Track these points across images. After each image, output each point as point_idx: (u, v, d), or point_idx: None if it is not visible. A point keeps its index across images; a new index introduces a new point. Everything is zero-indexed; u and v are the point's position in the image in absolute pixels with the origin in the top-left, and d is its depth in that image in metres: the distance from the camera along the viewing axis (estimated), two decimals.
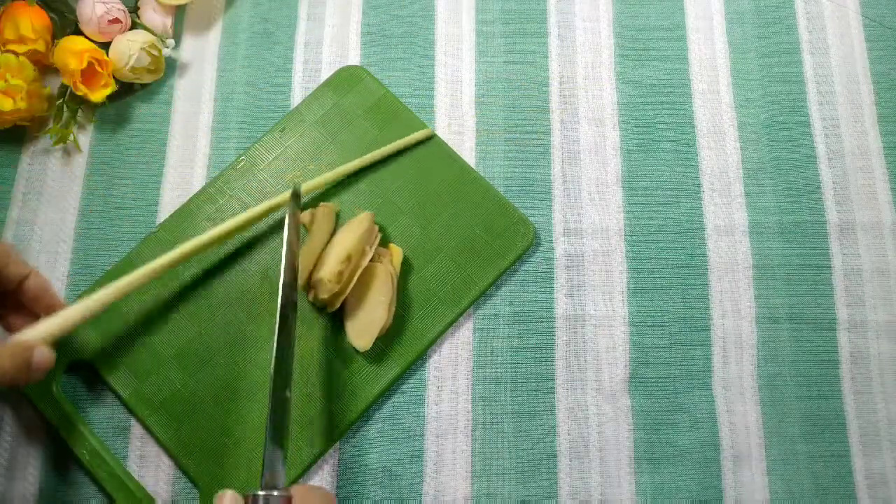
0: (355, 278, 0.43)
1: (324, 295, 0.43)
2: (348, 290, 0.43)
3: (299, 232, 0.43)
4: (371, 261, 0.44)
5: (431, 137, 0.49)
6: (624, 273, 0.48)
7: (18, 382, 0.35)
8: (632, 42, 0.54)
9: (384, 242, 0.46)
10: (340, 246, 0.43)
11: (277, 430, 0.36)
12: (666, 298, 0.48)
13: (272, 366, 0.37)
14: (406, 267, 0.46)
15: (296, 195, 0.43)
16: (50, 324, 0.37)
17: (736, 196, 0.50)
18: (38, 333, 0.36)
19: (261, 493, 0.34)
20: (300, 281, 0.43)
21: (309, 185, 0.46)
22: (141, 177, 0.49)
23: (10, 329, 0.40)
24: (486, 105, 0.52)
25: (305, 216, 0.45)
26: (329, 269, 0.42)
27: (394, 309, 0.44)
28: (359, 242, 0.43)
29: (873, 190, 0.50)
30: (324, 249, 0.44)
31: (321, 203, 0.46)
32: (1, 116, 0.47)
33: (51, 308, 0.39)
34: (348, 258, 0.42)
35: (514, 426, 0.45)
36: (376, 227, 0.46)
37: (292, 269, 0.40)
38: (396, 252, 0.45)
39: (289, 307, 0.39)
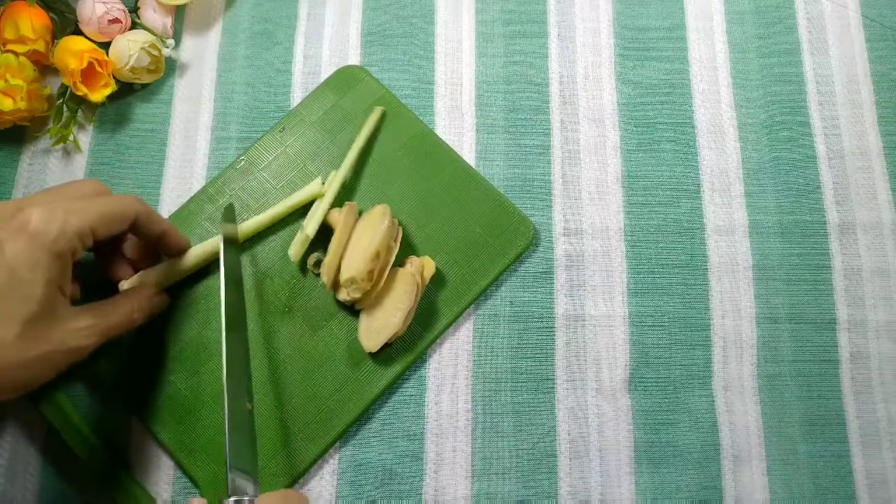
0: (385, 274, 0.43)
1: (356, 294, 0.42)
2: (379, 287, 0.43)
3: (238, 246, 0.45)
4: (401, 266, 0.44)
5: (384, 115, 0.50)
6: (624, 273, 0.48)
7: (141, 322, 0.41)
8: (632, 42, 0.54)
9: (419, 253, 0.46)
10: (366, 243, 0.43)
11: (236, 438, 0.36)
12: (666, 298, 0.48)
13: (224, 376, 0.38)
14: None
15: (230, 212, 0.46)
16: (160, 271, 0.43)
17: (736, 196, 0.50)
18: (152, 277, 0.43)
19: (232, 500, 0.34)
20: (329, 280, 0.43)
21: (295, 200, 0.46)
22: (141, 177, 0.49)
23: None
24: (486, 105, 0.52)
25: (334, 214, 0.45)
26: (359, 268, 0.42)
27: (410, 320, 0.44)
28: (384, 239, 0.43)
29: (873, 190, 0.50)
30: (346, 246, 0.44)
31: (346, 203, 0.46)
32: (1, 116, 0.47)
33: (180, 252, 0.44)
34: (377, 255, 0.42)
35: (514, 426, 0.45)
36: (396, 220, 0.45)
37: (235, 283, 0.43)
38: (429, 265, 0.45)
39: (237, 320, 0.41)
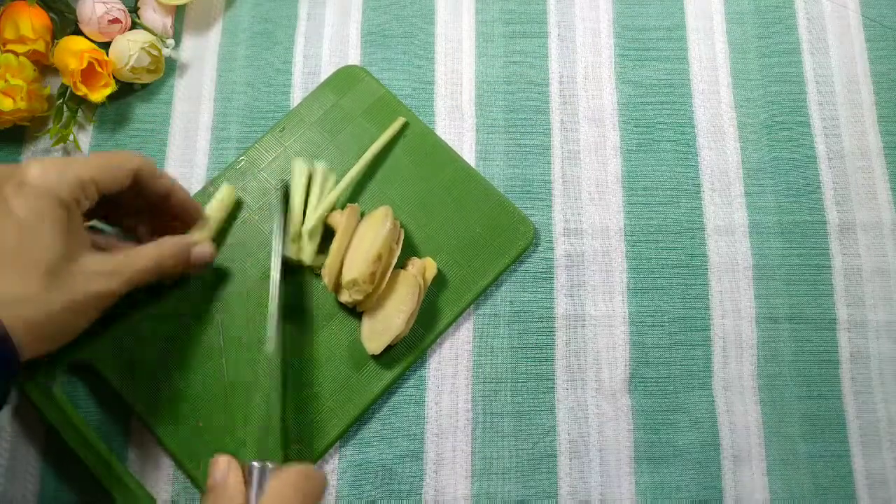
0: (387, 277, 0.43)
1: (357, 296, 0.42)
2: (381, 289, 0.43)
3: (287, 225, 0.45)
4: (403, 267, 0.44)
5: (406, 126, 0.50)
6: (624, 273, 0.48)
7: (178, 272, 0.41)
8: (632, 42, 0.54)
9: (420, 254, 0.46)
10: (368, 245, 0.42)
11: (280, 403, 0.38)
12: (666, 298, 0.48)
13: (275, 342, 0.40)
14: None
15: (285, 193, 0.46)
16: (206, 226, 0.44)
17: (736, 196, 0.50)
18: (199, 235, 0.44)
19: (255, 464, 0.35)
20: (331, 282, 0.43)
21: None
22: None
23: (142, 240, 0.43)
24: (486, 105, 0.52)
25: (336, 216, 0.45)
26: (361, 270, 0.42)
27: (413, 322, 0.44)
28: (386, 241, 0.43)
29: (873, 190, 0.50)
30: (348, 248, 0.44)
31: (349, 204, 0.46)
32: (1, 116, 0.47)
33: (193, 216, 0.43)
34: (379, 257, 0.42)
35: (514, 426, 0.45)
36: (398, 223, 0.45)
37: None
38: (430, 266, 0.45)
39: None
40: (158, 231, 0.43)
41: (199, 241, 0.43)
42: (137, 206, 0.42)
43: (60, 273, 0.34)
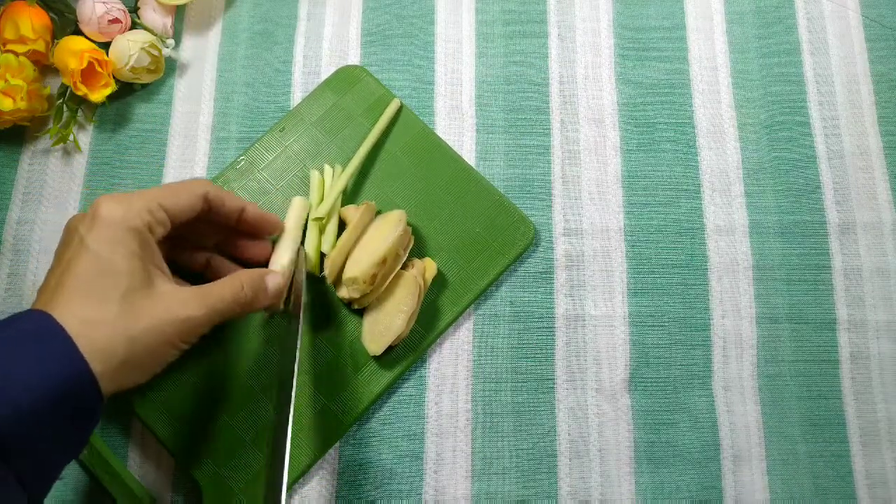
0: (388, 281, 0.43)
1: (354, 294, 0.43)
2: (380, 292, 0.43)
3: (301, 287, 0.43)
4: (403, 268, 0.44)
5: (401, 108, 0.50)
6: (624, 273, 0.48)
7: (255, 307, 0.40)
8: (632, 42, 0.54)
9: (420, 254, 0.46)
10: (375, 246, 0.43)
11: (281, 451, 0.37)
12: (666, 298, 0.48)
13: (293, 387, 0.38)
14: None
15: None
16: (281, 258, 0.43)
17: (736, 196, 0.50)
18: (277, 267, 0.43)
19: None
20: (332, 274, 0.43)
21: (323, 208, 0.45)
22: (141, 177, 0.49)
23: (242, 254, 0.44)
24: (486, 105, 0.52)
25: (350, 210, 0.45)
26: (363, 270, 0.42)
27: (413, 322, 0.44)
28: (393, 246, 0.43)
29: (873, 190, 0.50)
30: (356, 243, 0.44)
31: (365, 201, 0.46)
32: (1, 116, 0.47)
33: (271, 227, 0.43)
34: (383, 261, 0.42)
35: (514, 426, 0.45)
36: (409, 229, 0.45)
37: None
38: (430, 266, 0.45)
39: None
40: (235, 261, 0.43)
41: (269, 272, 0.41)
42: (210, 234, 0.42)
43: (139, 298, 0.34)
